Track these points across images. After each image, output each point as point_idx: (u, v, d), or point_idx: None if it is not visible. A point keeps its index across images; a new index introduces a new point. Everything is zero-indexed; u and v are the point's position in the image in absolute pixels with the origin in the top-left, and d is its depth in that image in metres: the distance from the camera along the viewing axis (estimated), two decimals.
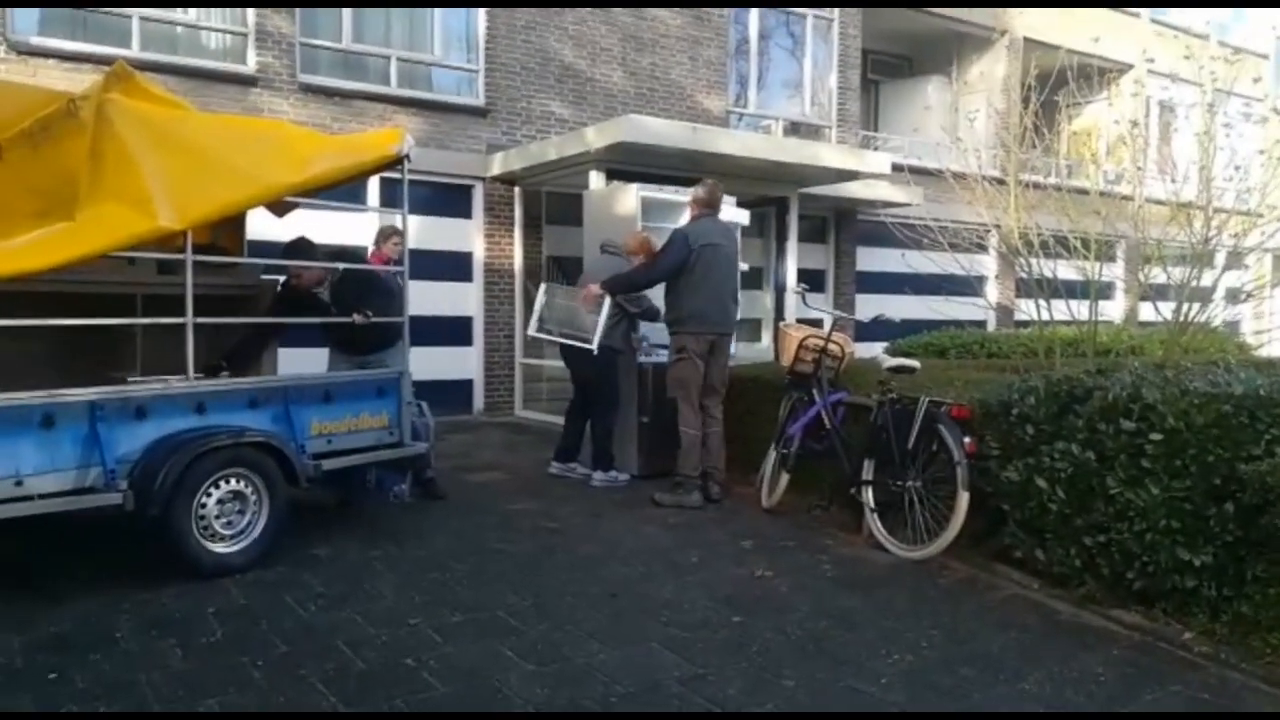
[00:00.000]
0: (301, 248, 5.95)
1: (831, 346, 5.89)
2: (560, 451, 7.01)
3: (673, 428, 6.26)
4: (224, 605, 4.12)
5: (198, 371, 4.71)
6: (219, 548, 4.53)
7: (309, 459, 4.95)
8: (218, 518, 4.52)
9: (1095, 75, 8.49)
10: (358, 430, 5.34)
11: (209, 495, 4.48)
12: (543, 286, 6.37)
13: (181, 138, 4.78)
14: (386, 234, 6.30)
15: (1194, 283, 6.73)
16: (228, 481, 4.55)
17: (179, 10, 9.30)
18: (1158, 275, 7.25)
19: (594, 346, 6.32)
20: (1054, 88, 8.24)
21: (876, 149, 13.84)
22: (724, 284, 6.27)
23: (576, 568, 4.79)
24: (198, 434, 4.49)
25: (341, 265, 6.06)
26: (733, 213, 7.76)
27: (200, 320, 4.61)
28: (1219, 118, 7.27)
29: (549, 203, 11.08)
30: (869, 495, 5.29)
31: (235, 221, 5.67)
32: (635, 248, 6.68)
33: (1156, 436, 3.93)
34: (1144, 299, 7.69)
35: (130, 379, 4.90)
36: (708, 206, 6.34)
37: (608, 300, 6.27)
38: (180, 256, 4.58)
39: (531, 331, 6.34)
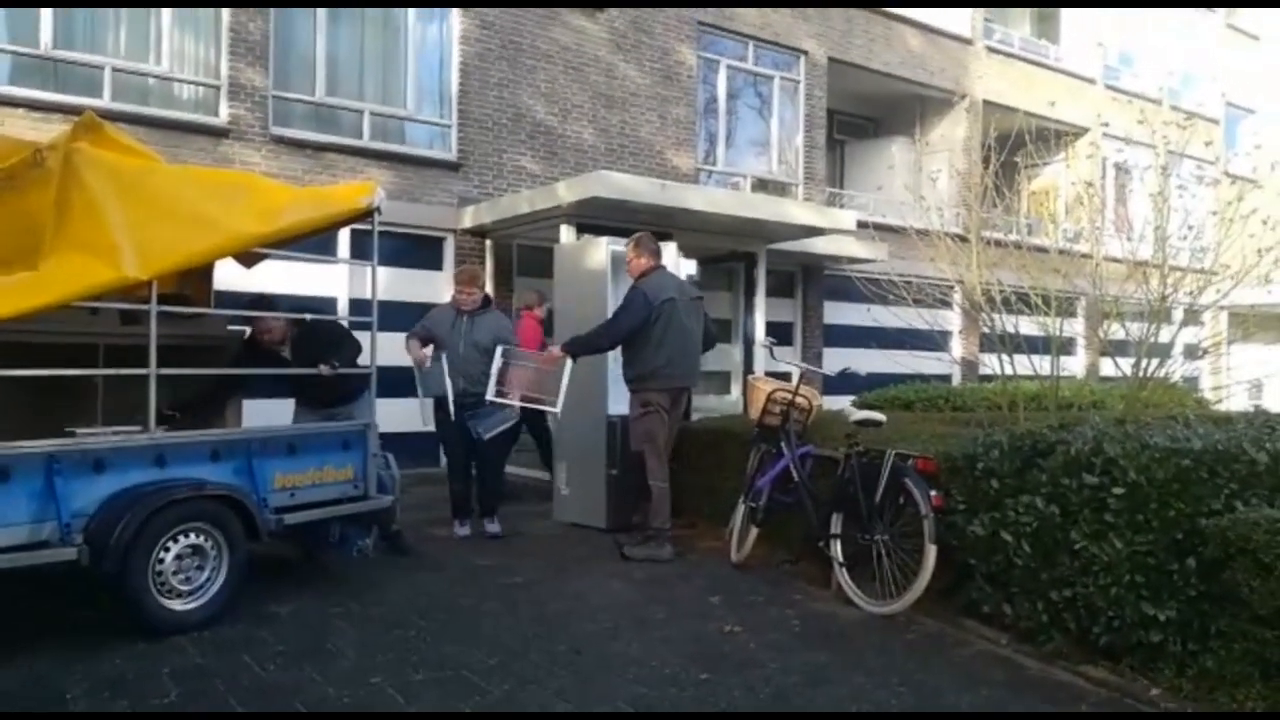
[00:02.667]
0: (264, 306, 5.92)
1: (799, 399, 5.92)
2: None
3: (641, 481, 6.23)
4: (180, 664, 4.00)
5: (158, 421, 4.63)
6: (176, 605, 4.42)
7: (271, 512, 4.86)
8: (175, 574, 4.41)
9: (1053, 138, 8.77)
10: (322, 483, 5.26)
11: (167, 550, 4.38)
12: (499, 350, 6.29)
13: (149, 188, 4.76)
14: (538, 299, 6.38)
15: (1152, 339, 6.87)
16: (186, 536, 4.46)
17: (152, 61, 9.33)
18: (1117, 331, 7.40)
19: (558, 410, 6.26)
20: (1013, 149, 8.47)
21: (842, 206, 14.11)
22: (688, 337, 6.25)
23: (542, 624, 4.72)
24: (156, 487, 4.40)
25: (309, 316, 6.02)
26: (680, 264, 7.84)
27: (164, 371, 4.55)
28: (1173, 179, 7.50)
29: (520, 255, 11.13)
30: (837, 549, 5.29)
31: (202, 272, 5.63)
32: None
33: (1119, 490, 3.97)
34: (1104, 354, 7.84)
35: (91, 431, 4.80)
36: (654, 257, 6.35)
37: (569, 362, 6.22)
38: (145, 307, 4.53)
39: (490, 397, 6.25)
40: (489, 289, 10.82)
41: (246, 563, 4.69)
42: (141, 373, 4.49)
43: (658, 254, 6.41)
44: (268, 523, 4.77)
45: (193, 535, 4.48)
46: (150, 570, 4.31)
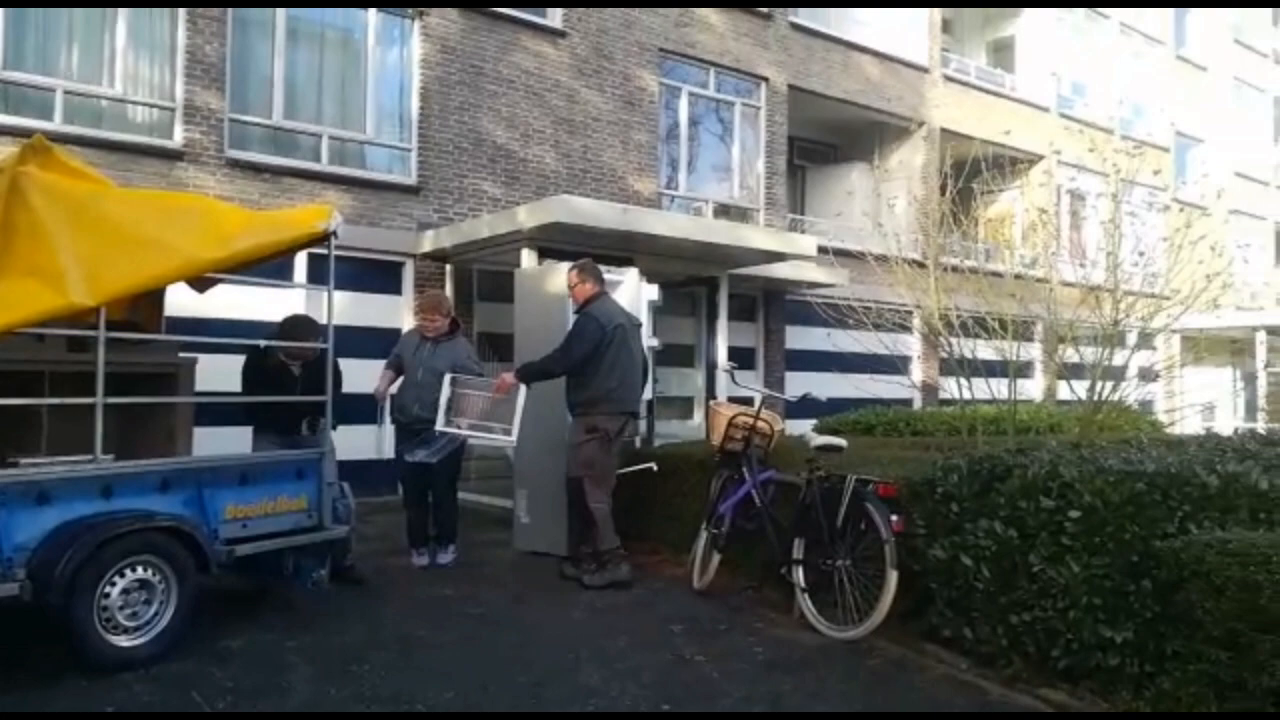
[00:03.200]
0: (304, 324, 5.99)
1: (760, 424, 5.92)
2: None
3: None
4: (125, 703, 3.88)
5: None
6: (123, 640, 4.28)
7: (222, 544, 4.74)
8: (122, 608, 4.27)
9: (1008, 165, 8.92)
10: (275, 514, 5.13)
11: (113, 585, 4.24)
12: (447, 378, 6.20)
13: (98, 212, 4.65)
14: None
15: (1106, 362, 6.98)
16: (134, 570, 4.32)
17: (105, 84, 9.19)
18: (1072, 355, 7.51)
19: (513, 439, 6.18)
20: (969, 176, 8.61)
21: (803, 231, 14.24)
22: (635, 363, 6.26)
23: (501, 657, 4.64)
24: (103, 519, 4.27)
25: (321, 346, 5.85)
26: (643, 289, 7.85)
27: (111, 400, 4.44)
28: (1124, 207, 7.65)
29: (480, 280, 11.08)
30: (799, 575, 5.27)
31: (153, 297, 5.52)
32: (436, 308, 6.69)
33: (1075, 514, 4.00)
34: (1060, 378, 7.95)
35: (35, 461, 4.66)
36: (599, 283, 6.35)
37: (522, 389, 6.17)
38: (93, 333, 4.43)
39: (440, 427, 6.16)
40: None
41: (196, 596, 4.57)
42: (88, 402, 4.38)
43: (602, 280, 6.41)
44: (218, 554, 4.65)
45: (140, 569, 4.35)
46: (96, 605, 4.17)
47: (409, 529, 6.77)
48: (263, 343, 5.98)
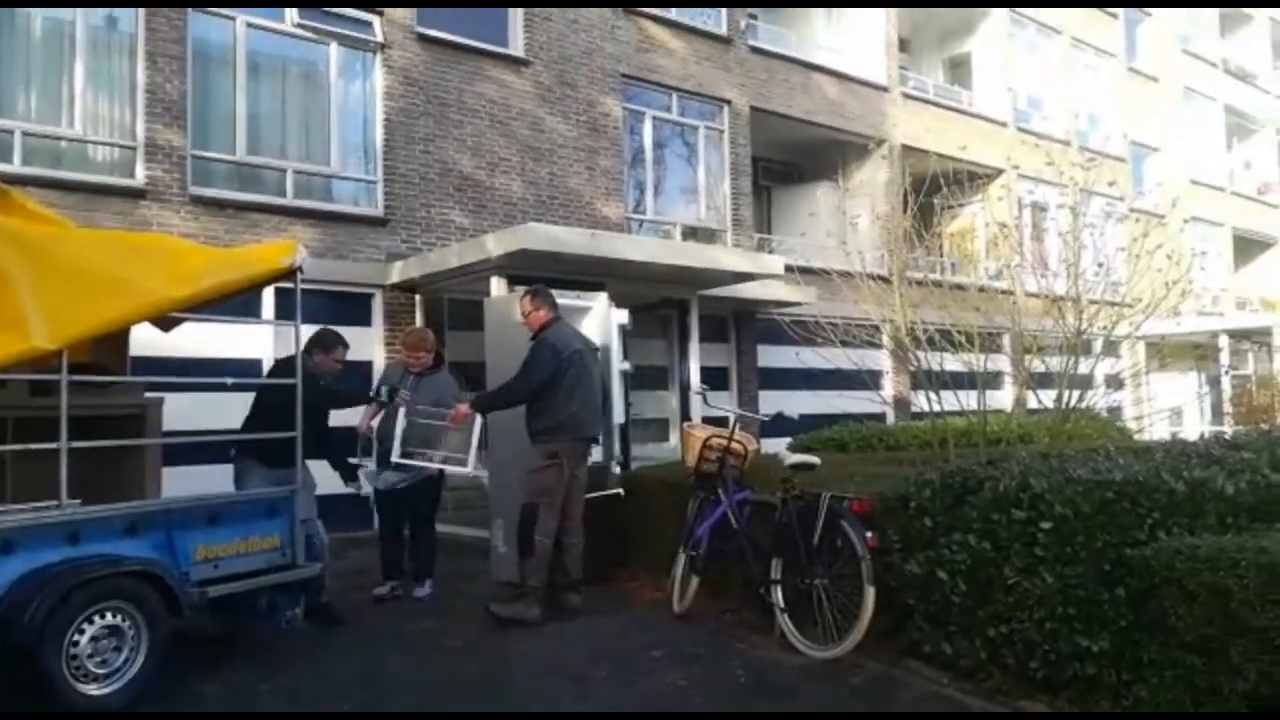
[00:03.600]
0: (327, 341, 6.02)
1: (735, 445, 5.93)
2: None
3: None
4: None
5: None
6: (93, 689, 4.18)
7: (194, 586, 4.66)
8: (91, 656, 4.18)
9: (968, 180, 9.04)
10: (247, 553, 5.07)
11: (81, 632, 4.16)
12: (401, 410, 6.20)
13: (57, 254, 4.61)
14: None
15: (1072, 371, 7.06)
16: (103, 616, 4.24)
17: (64, 124, 9.11)
18: (1038, 365, 7.59)
19: (470, 469, 6.18)
20: (930, 191, 8.71)
21: (771, 251, 14.34)
22: (594, 388, 6.19)
23: (482, 690, 4.60)
24: (69, 566, 4.20)
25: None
26: (612, 314, 7.87)
27: (75, 445, 4.37)
28: (1082, 218, 7.78)
29: (451, 309, 11.04)
30: (778, 595, 5.27)
31: (117, 338, 5.45)
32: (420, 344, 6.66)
33: (1046, 525, 4.04)
34: (1028, 388, 8.03)
35: None
36: (553, 309, 6.25)
37: (478, 419, 6.16)
38: (55, 377, 4.36)
39: (395, 459, 6.14)
40: None
41: (168, 641, 4.48)
42: (52, 447, 4.30)
43: (555, 305, 6.31)
44: (190, 597, 4.58)
45: (109, 615, 4.26)
46: (64, 654, 4.08)
47: (383, 562, 6.70)
48: (277, 378, 5.87)
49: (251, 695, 4.52)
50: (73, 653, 4.12)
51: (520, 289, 8.29)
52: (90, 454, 4.78)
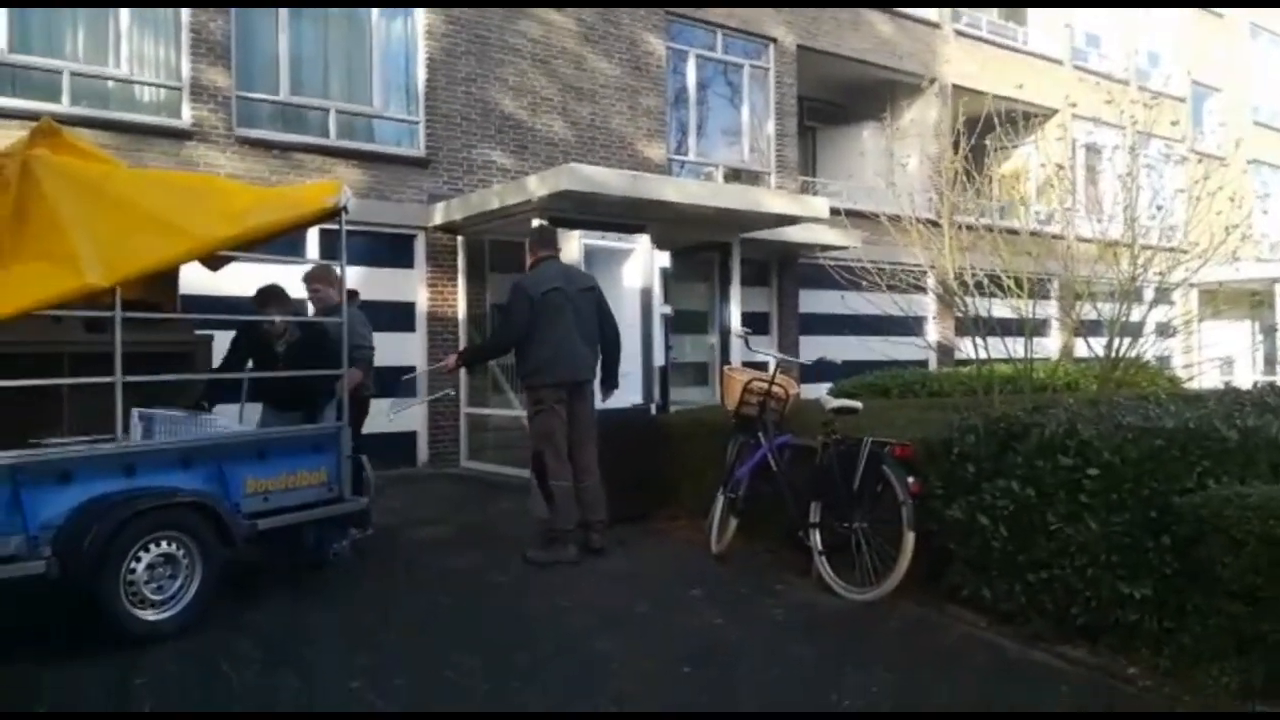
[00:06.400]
0: (274, 295, 5.91)
1: (775, 389, 5.91)
2: None
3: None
4: (155, 675, 3.94)
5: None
6: (149, 614, 4.35)
7: (244, 518, 4.80)
8: (148, 583, 4.34)
9: (1021, 120, 8.78)
10: (295, 487, 5.19)
11: (138, 560, 4.31)
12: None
13: (110, 193, 4.68)
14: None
15: (1124, 318, 6.92)
16: (158, 545, 4.39)
17: (111, 64, 9.18)
18: (1089, 312, 7.44)
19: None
20: (983, 132, 8.49)
21: (815, 194, 14.11)
22: (571, 330, 5.90)
23: (523, 624, 4.70)
24: (126, 496, 4.33)
25: (303, 321, 5.92)
26: (655, 256, 7.84)
27: (129, 379, 4.48)
28: (1140, 159, 7.55)
29: (492, 251, 11.06)
30: (816, 538, 5.28)
31: (167, 277, 5.55)
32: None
33: (1093, 471, 3.99)
34: (1077, 335, 7.89)
35: (57, 441, 4.72)
36: (545, 248, 6.10)
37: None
38: (109, 314, 4.46)
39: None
40: (461, 285, 10.78)
41: (221, 570, 4.63)
42: (107, 381, 4.42)
43: (549, 244, 6.14)
44: (241, 528, 4.71)
45: (164, 544, 4.41)
46: (122, 580, 4.24)
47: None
48: (285, 318, 5.94)
49: (300, 624, 4.66)
50: (130, 579, 4.27)
51: (561, 231, 8.29)
52: (142, 389, 4.91)
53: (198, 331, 6.02)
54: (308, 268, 6.48)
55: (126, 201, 4.69)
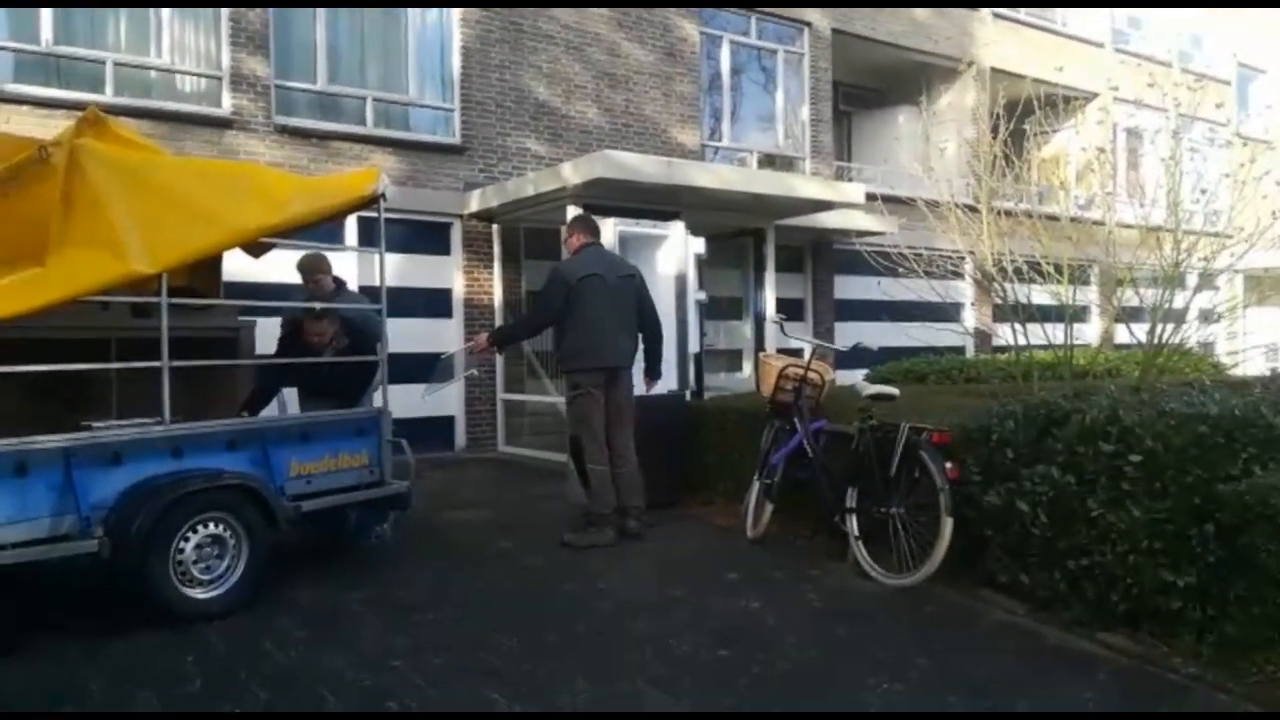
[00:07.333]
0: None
1: (811, 375, 5.90)
2: None
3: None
4: (203, 653, 4.04)
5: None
6: (197, 593, 4.45)
7: (288, 500, 4.89)
8: (196, 563, 4.44)
9: (1061, 103, 8.64)
10: (338, 470, 5.28)
11: (186, 540, 4.41)
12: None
13: (154, 181, 4.76)
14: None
15: (1166, 305, 6.81)
16: (206, 526, 4.49)
17: (153, 54, 9.31)
18: (1131, 298, 7.34)
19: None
20: (1021, 116, 8.38)
21: (850, 179, 14.01)
22: (608, 316, 5.95)
23: (560, 606, 4.75)
24: (174, 478, 4.43)
25: (347, 319, 5.98)
26: (689, 242, 7.83)
27: (176, 364, 4.58)
28: (1184, 143, 7.41)
29: (527, 238, 11.10)
30: (853, 523, 5.28)
31: (211, 264, 5.65)
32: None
33: (1135, 458, 3.95)
34: (1118, 321, 7.78)
35: (107, 424, 4.83)
36: (587, 235, 6.18)
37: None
38: (155, 300, 4.55)
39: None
40: (496, 272, 10.85)
41: (266, 551, 4.72)
42: (155, 365, 4.52)
43: (590, 231, 6.23)
44: (285, 510, 4.80)
45: (212, 525, 4.51)
46: (171, 560, 4.34)
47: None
48: (318, 305, 6.02)
49: (343, 604, 4.74)
50: (179, 559, 4.38)
51: (595, 218, 8.31)
52: (188, 374, 5.01)
53: (240, 318, 6.12)
54: (303, 257, 6.59)
55: (171, 190, 4.78)
